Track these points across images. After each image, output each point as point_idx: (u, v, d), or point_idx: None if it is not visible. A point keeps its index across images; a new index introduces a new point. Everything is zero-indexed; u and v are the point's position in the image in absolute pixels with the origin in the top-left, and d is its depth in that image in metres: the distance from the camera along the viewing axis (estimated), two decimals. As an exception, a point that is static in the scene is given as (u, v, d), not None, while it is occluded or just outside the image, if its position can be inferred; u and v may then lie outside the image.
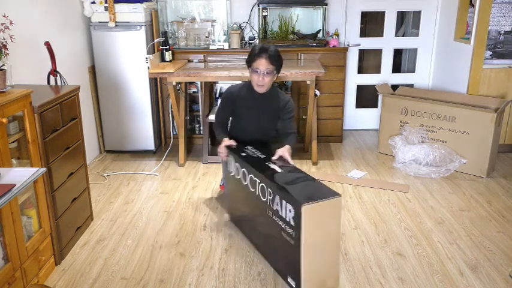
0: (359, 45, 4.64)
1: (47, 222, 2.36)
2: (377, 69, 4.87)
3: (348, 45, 4.58)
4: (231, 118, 3.06)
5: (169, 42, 4.10)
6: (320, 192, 2.12)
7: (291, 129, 2.90)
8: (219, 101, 3.02)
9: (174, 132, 4.43)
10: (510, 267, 2.40)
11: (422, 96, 4.00)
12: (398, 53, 5.25)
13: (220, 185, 3.41)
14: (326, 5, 4.26)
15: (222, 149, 2.85)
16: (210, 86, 4.21)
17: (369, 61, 5.51)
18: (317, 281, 2.16)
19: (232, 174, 2.79)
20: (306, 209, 2.00)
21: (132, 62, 3.94)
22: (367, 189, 3.39)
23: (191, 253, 2.58)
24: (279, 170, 2.42)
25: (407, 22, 5.18)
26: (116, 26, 3.85)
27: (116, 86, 3.99)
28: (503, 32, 3.85)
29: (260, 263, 2.47)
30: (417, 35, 4.72)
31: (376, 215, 2.99)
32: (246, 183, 2.58)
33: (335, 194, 2.08)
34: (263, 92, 2.85)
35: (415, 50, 4.79)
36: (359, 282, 2.30)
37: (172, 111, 4.27)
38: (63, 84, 3.01)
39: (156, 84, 4.27)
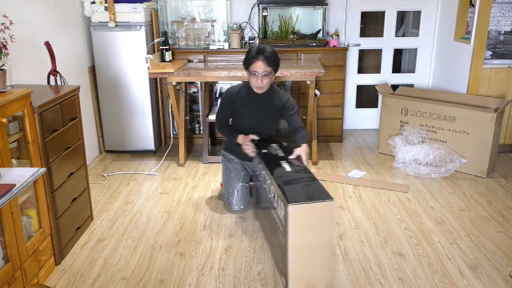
0: (359, 45, 4.64)
1: (47, 222, 2.36)
2: (377, 69, 4.87)
3: (348, 45, 4.58)
4: (230, 119, 3.07)
5: (169, 42, 4.10)
6: (314, 194, 2.11)
7: (299, 124, 2.92)
8: (219, 102, 3.02)
9: (174, 132, 4.43)
10: (510, 267, 2.40)
11: (422, 96, 4.00)
12: (398, 53, 5.25)
13: (221, 184, 3.41)
14: (326, 5, 4.26)
15: (249, 144, 2.83)
16: (210, 86, 4.21)
17: (369, 61, 5.51)
18: (306, 283, 2.15)
19: (256, 167, 2.85)
20: (293, 209, 2.02)
21: (132, 62, 3.94)
22: (367, 189, 3.39)
23: (191, 253, 2.58)
24: (288, 169, 2.43)
25: (407, 22, 5.18)
26: (116, 26, 3.85)
27: (116, 86, 3.99)
28: (503, 32, 3.85)
29: (260, 263, 2.47)
30: (417, 35, 4.72)
31: (376, 215, 2.99)
32: (261, 179, 2.64)
33: (328, 198, 2.06)
34: (262, 92, 2.87)
35: (415, 50, 4.79)
36: (359, 282, 2.30)
37: (172, 111, 4.27)
38: (63, 84, 3.01)
39: (156, 84, 4.27)
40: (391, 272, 2.38)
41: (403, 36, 5.15)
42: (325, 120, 4.42)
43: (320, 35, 4.37)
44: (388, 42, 4.70)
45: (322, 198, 2.05)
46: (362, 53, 5.07)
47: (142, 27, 3.87)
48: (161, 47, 3.92)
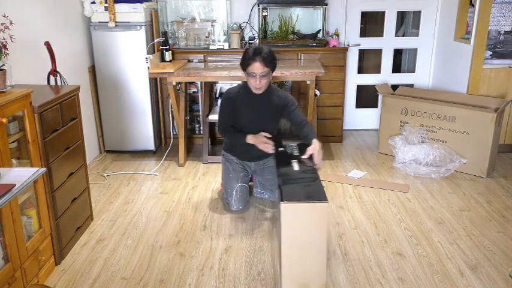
0: (359, 45, 4.64)
1: (47, 222, 2.36)
2: (377, 69, 4.87)
3: (348, 45, 4.58)
4: None
5: (169, 42, 4.10)
6: (311, 194, 2.11)
7: (302, 118, 2.93)
8: (219, 105, 3.02)
9: (174, 132, 4.43)
10: (510, 267, 2.40)
11: (422, 96, 4.00)
12: (398, 53, 5.25)
13: (221, 184, 3.41)
14: (326, 5, 4.26)
15: (267, 141, 2.83)
16: (210, 86, 4.21)
17: (369, 61, 5.51)
18: (298, 282, 2.16)
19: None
20: (284, 207, 2.04)
21: (132, 62, 3.94)
22: (367, 189, 3.39)
23: (191, 253, 2.58)
24: (296, 168, 2.43)
25: (407, 22, 5.18)
26: (116, 26, 3.85)
27: (116, 86, 3.99)
28: (503, 32, 3.85)
29: (260, 263, 2.47)
30: (417, 35, 4.72)
31: (376, 215, 2.99)
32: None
33: (323, 200, 2.05)
34: (261, 93, 2.87)
35: (415, 50, 4.79)
36: (359, 282, 2.30)
37: (172, 111, 4.27)
38: (63, 84, 3.01)
39: (156, 84, 4.27)
40: (391, 272, 2.38)
41: (403, 36, 5.15)
42: (325, 120, 4.42)
43: (320, 35, 4.37)
44: (388, 42, 4.70)
45: (316, 199, 2.05)
46: (362, 53, 5.07)
47: (142, 27, 3.87)
48: (161, 47, 3.92)
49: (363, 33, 4.87)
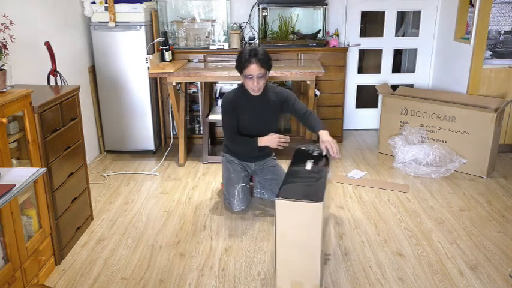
0: (359, 45, 4.64)
1: (47, 222, 2.36)
2: (377, 69, 4.87)
3: (348, 45, 4.58)
4: None
5: (169, 42, 4.10)
6: (309, 194, 2.11)
7: (305, 109, 2.97)
8: (220, 109, 3.01)
9: (174, 132, 4.43)
10: (510, 267, 2.40)
11: (422, 96, 4.00)
12: (398, 53, 5.25)
13: (222, 184, 3.41)
14: (326, 5, 4.26)
15: (280, 140, 2.86)
16: (210, 86, 4.21)
17: (369, 61, 5.51)
18: (292, 280, 2.17)
19: None
20: (279, 204, 2.07)
21: (132, 62, 3.94)
22: (367, 189, 3.39)
23: (191, 253, 2.58)
24: (308, 167, 2.43)
25: (407, 22, 5.18)
26: (116, 26, 3.85)
27: (116, 86, 3.99)
28: (503, 32, 3.85)
29: (260, 263, 2.47)
30: (417, 35, 4.72)
31: (376, 215, 2.99)
32: None
33: (317, 200, 2.04)
34: (259, 94, 2.88)
35: (415, 50, 4.79)
36: (359, 282, 2.30)
37: (172, 111, 4.27)
38: (63, 84, 3.01)
39: (156, 84, 4.27)
40: (391, 272, 2.38)
41: (403, 36, 5.15)
42: (325, 120, 4.40)
43: (320, 35, 4.37)
44: (388, 42, 4.70)
45: (310, 199, 2.05)
46: (362, 53, 5.07)
47: (142, 27, 3.87)
48: (161, 47, 3.92)
49: (363, 33, 4.87)
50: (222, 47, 4.24)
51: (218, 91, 4.39)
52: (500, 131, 3.64)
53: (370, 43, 4.75)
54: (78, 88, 2.69)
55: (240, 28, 4.42)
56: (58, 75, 3.00)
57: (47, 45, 2.90)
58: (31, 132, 2.18)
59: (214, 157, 3.93)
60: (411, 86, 4.80)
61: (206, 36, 4.34)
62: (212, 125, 4.39)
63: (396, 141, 3.83)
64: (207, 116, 4.01)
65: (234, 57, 4.20)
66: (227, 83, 4.37)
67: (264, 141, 2.91)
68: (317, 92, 3.98)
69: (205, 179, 3.63)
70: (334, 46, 4.29)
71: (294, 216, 2.08)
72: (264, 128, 2.99)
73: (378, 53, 4.83)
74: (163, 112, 4.37)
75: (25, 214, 2.25)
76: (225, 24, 4.37)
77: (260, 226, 2.87)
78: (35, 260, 2.24)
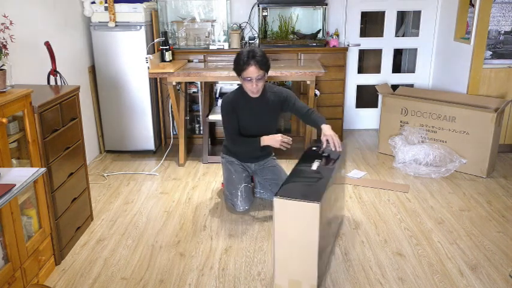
0: (359, 45, 4.64)
1: (47, 222, 2.36)
2: (377, 69, 4.87)
3: (348, 45, 4.58)
4: None
5: (169, 42, 4.10)
6: (307, 193, 2.11)
7: (306, 107, 2.98)
8: (221, 112, 2.99)
9: (174, 132, 4.43)
10: (510, 267, 2.40)
11: (422, 96, 4.00)
12: (398, 53, 5.25)
13: (222, 183, 3.41)
14: (326, 5, 4.26)
15: (283, 139, 2.85)
16: (210, 86, 4.21)
17: (369, 61, 5.51)
18: (290, 278, 2.18)
19: None
20: (277, 202, 2.08)
21: (132, 62, 3.94)
22: (367, 189, 3.39)
23: (191, 253, 2.58)
24: (314, 167, 2.42)
25: (407, 22, 5.18)
26: (116, 26, 3.85)
27: (116, 86, 3.99)
28: (503, 32, 3.85)
29: (260, 263, 2.47)
30: (417, 35, 4.72)
31: (376, 215, 2.99)
32: None
33: (314, 200, 2.04)
34: (258, 96, 2.87)
35: (415, 50, 4.79)
36: (359, 282, 2.30)
37: (172, 111, 4.27)
38: (63, 84, 3.01)
39: (156, 84, 4.27)
40: (391, 272, 2.38)
41: (403, 36, 5.15)
42: (326, 121, 4.41)
43: (320, 35, 4.37)
44: (388, 42, 4.70)
45: (308, 199, 2.05)
46: (362, 53, 5.07)
47: (142, 27, 3.87)
48: (161, 47, 3.92)
49: (363, 33, 4.87)
50: (222, 47, 4.24)
51: (218, 91, 4.39)
52: (500, 131, 3.64)
53: (370, 43, 4.75)
54: (78, 88, 2.69)
55: (240, 28, 4.42)
56: (58, 75, 3.00)
57: (47, 45, 2.90)
58: (31, 132, 2.18)
59: (214, 157, 3.93)
60: (411, 86, 4.80)
61: (206, 36, 4.34)
62: (212, 125, 4.39)
63: (396, 141, 3.83)
64: (207, 116, 4.01)
65: (234, 57, 4.23)
66: (227, 83, 4.37)
67: (267, 140, 2.90)
68: (317, 92, 3.98)
69: (205, 179, 3.63)
70: (334, 46, 4.29)
71: (291, 215, 2.08)
72: (263, 128, 2.99)
73: (377, 53, 4.84)
74: (163, 112, 4.37)
75: (25, 214, 2.25)
76: (225, 24, 4.37)
77: (260, 226, 2.87)
78: (35, 260, 2.24)
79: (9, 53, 2.23)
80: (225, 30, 4.38)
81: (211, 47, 4.25)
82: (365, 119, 4.92)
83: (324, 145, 2.68)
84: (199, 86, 4.34)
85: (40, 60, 3.06)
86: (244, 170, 3.12)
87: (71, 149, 2.58)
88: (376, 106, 4.88)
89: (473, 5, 3.88)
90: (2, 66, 2.14)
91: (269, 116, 3.01)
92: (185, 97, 4.09)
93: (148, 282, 2.31)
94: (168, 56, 3.93)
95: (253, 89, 2.81)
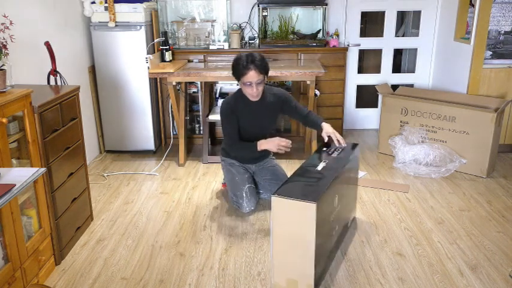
0: (359, 45, 4.64)
1: (47, 222, 2.36)
2: (377, 69, 4.87)
3: (348, 45, 4.58)
4: None
5: (169, 42, 4.10)
6: (306, 193, 2.11)
7: (306, 110, 3.02)
8: (220, 117, 2.98)
9: (174, 132, 4.43)
10: (510, 267, 2.40)
11: (422, 96, 4.00)
12: (398, 53, 5.25)
13: (223, 184, 3.41)
14: (326, 5, 4.26)
15: (280, 144, 2.83)
16: (210, 86, 4.21)
17: (369, 61, 5.51)
18: (287, 277, 2.18)
19: None
20: (275, 200, 2.09)
21: (132, 62, 3.94)
22: (367, 189, 3.39)
23: (191, 253, 2.58)
24: (319, 168, 2.41)
25: (407, 22, 5.18)
26: (116, 26, 3.85)
27: (116, 86, 3.99)
28: (503, 32, 3.85)
29: (260, 263, 2.47)
30: (417, 35, 4.72)
31: (376, 215, 2.99)
32: None
33: (312, 200, 2.03)
34: (258, 99, 2.87)
35: (415, 50, 4.79)
36: (359, 282, 2.30)
37: (172, 111, 4.27)
38: (63, 84, 3.01)
39: (156, 84, 4.27)
40: (391, 272, 2.38)
41: (403, 36, 5.15)
42: (325, 120, 4.41)
43: (320, 35, 4.37)
44: (388, 42, 4.70)
45: (306, 199, 2.04)
46: (362, 53, 5.07)
47: (142, 27, 3.87)
48: (161, 47, 3.92)
49: (363, 33, 4.87)
50: (222, 47, 4.24)
51: (218, 91, 4.39)
52: (500, 131, 3.64)
53: (370, 43, 4.75)
54: (78, 88, 2.69)
55: (240, 28, 4.42)
56: (58, 75, 3.00)
57: (47, 45, 2.90)
58: (31, 132, 2.18)
59: (214, 157, 3.93)
60: (411, 86, 4.80)
61: (206, 36, 4.34)
62: (212, 125, 4.39)
63: (396, 141, 3.83)
64: (207, 116, 4.01)
65: (234, 57, 4.23)
66: (227, 83, 4.37)
67: (264, 145, 2.89)
68: (317, 92, 3.98)
69: (205, 179, 3.63)
70: (334, 46, 4.29)
71: (289, 214, 2.09)
72: (262, 129, 3.01)
73: (378, 53, 4.84)
74: (163, 112, 4.37)
75: (25, 214, 2.25)
76: (225, 24, 4.37)
77: (260, 226, 2.87)
78: (35, 260, 2.24)
79: (9, 53, 2.23)
80: (225, 30, 4.38)
81: (211, 47, 4.25)
82: (365, 119, 4.92)
83: (326, 140, 2.74)
84: (199, 86, 4.34)
85: (40, 60, 3.06)
86: (246, 171, 3.12)
87: (71, 149, 2.58)
88: (376, 106, 4.88)
89: (473, 5, 3.88)
90: (2, 66, 2.14)
91: (269, 118, 3.02)
92: (185, 97, 4.09)
93: (148, 282, 2.31)
94: (168, 56, 3.93)
95: (254, 93, 2.81)
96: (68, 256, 2.56)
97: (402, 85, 4.46)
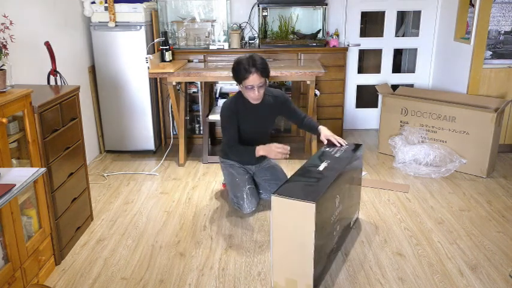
0: (359, 45, 4.64)
1: (47, 222, 2.36)
2: (377, 69, 4.87)
3: (348, 45, 4.58)
4: None
5: (169, 42, 4.10)
6: (306, 193, 2.11)
7: (303, 114, 3.06)
8: (220, 120, 2.96)
9: (174, 132, 4.43)
10: (510, 267, 2.40)
11: (422, 96, 4.00)
12: (398, 53, 5.25)
13: (223, 184, 3.41)
14: (326, 5, 4.26)
15: (277, 150, 2.77)
16: (210, 86, 4.21)
17: (369, 61, 5.51)
18: (286, 277, 2.18)
19: None
20: (275, 200, 2.09)
21: (132, 62, 3.94)
22: (367, 189, 3.39)
23: (191, 253, 2.58)
24: (320, 168, 2.41)
25: (407, 22, 5.18)
26: (116, 26, 3.85)
27: (116, 86, 3.99)
28: (503, 32, 3.85)
29: (260, 263, 2.47)
30: (417, 35, 4.72)
31: (376, 215, 2.99)
32: None
33: (311, 200, 2.03)
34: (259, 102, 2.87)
35: (415, 50, 4.79)
36: (359, 282, 2.30)
37: (172, 111, 4.27)
38: (63, 84, 3.01)
39: (156, 84, 4.27)
40: (391, 272, 2.38)
41: (403, 36, 5.15)
42: (325, 120, 4.42)
43: (320, 35, 4.37)
44: (388, 42, 4.70)
45: (305, 199, 2.04)
46: (362, 53, 5.07)
47: (142, 27, 3.87)
48: (161, 47, 3.92)
49: (363, 33, 4.87)
50: (222, 47, 4.25)
51: (218, 91, 4.39)
52: (500, 131, 3.64)
53: (370, 43, 4.75)
54: (78, 88, 2.69)
55: (240, 28, 4.42)
56: (58, 75, 3.00)
57: (47, 45, 2.90)
58: (31, 132, 2.18)
59: (214, 157, 3.93)
60: (411, 86, 4.80)
61: (206, 36, 4.34)
62: (212, 125, 4.39)
63: (396, 141, 3.83)
64: (207, 116, 4.01)
65: (234, 57, 4.20)
66: (227, 83, 4.37)
67: (262, 151, 2.85)
68: (317, 92, 3.98)
69: (205, 179, 3.63)
70: (334, 46, 4.29)
71: (288, 214, 2.09)
72: (262, 131, 3.03)
73: (378, 53, 4.84)
74: (163, 112, 4.37)
75: (25, 214, 2.25)
76: (225, 24, 4.37)
77: (260, 226, 2.87)
78: (35, 260, 2.24)
79: (9, 53, 2.23)
80: (225, 30, 4.38)
81: (211, 47, 4.25)
82: (365, 119, 4.92)
83: (325, 142, 2.76)
84: (199, 86, 4.34)
85: (40, 60, 3.06)
86: (246, 172, 3.12)
87: (71, 149, 2.58)
88: (376, 106, 4.88)
89: (473, 5, 3.88)
90: (2, 66, 2.14)
91: (268, 119, 3.03)
92: (185, 97, 4.09)
93: (148, 282, 2.31)
94: (168, 56, 3.93)
95: (256, 97, 2.80)
96: (68, 256, 2.56)
97: (402, 85, 4.46)
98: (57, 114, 2.42)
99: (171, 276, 2.37)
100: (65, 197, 2.53)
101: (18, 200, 2.11)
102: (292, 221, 2.09)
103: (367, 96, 5.04)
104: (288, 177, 2.53)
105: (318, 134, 2.88)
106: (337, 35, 4.41)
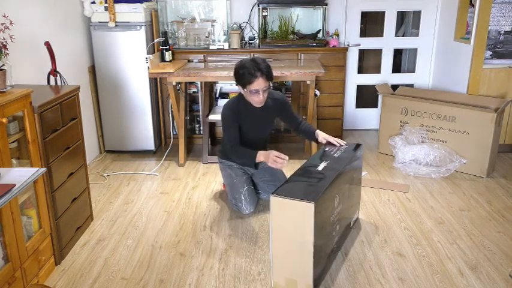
0: (359, 45, 4.64)
1: (47, 222, 2.36)
2: (377, 69, 4.87)
3: (348, 45, 4.58)
4: None
5: (169, 42, 4.10)
6: (306, 193, 2.11)
7: (300, 118, 3.08)
8: (222, 121, 2.95)
9: (174, 132, 4.43)
10: (510, 267, 2.40)
11: (422, 96, 4.00)
12: (398, 53, 5.25)
13: (223, 184, 3.41)
14: (326, 5, 4.26)
15: (276, 159, 2.68)
16: (210, 86, 4.21)
17: (369, 61, 5.51)
18: (286, 277, 2.19)
19: None
20: (273, 200, 2.09)
21: (132, 62, 3.94)
22: (367, 189, 3.39)
23: (191, 253, 2.58)
24: (320, 168, 2.40)
25: (407, 22, 5.18)
26: (116, 26, 3.85)
27: (116, 86, 4.00)
28: (503, 32, 3.85)
29: (260, 263, 2.47)
30: (417, 35, 4.72)
31: (376, 215, 2.99)
32: None
33: (310, 200, 2.03)
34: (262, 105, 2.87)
35: (415, 50, 4.79)
36: (359, 282, 2.30)
37: (172, 111, 4.27)
38: (63, 84, 3.01)
39: (156, 84, 4.27)
40: (391, 272, 2.38)
41: (403, 36, 5.15)
42: (325, 120, 4.42)
43: (320, 35, 4.37)
44: (388, 42, 4.70)
45: (304, 199, 2.04)
46: (362, 53, 5.07)
47: (142, 27, 3.87)
48: (161, 47, 3.92)
49: (363, 33, 4.87)
50: (222, 47, 4.25)
51: (218, 91, 4.39)
52: (500, 131, 3.64)
53: (370, 43, 4.75)
54: (78, 88, 2.69)
55: (240, 28, 4.42)
56: (58, 75, 3.00)
57: (47, 45, 2.90)
58: (31, 132, 2.19)
59: (214, 157, 3.93)
60: (411, 86, 4.80)
61: (206, 36, 4.34)
62: (212, 125, 4.39)
63: (396, 141, 3.83)
64: (207, 116, 4.01)
65: (234, 57, 4.24)
66: (227, 83, 4.37)
67: (261, 157, 2.82)
68: (317, 92, 3.98)
69: (205, 179, 3.63)
70: (334, 46, 4.29)
71: (287, 214, 2.09)
72: (262, 133, 3.04)
73: (378, 53, 4.84)
74: (163, 112, 4.37)
75: (25, 214, 2.25)
76: (225, 24, 4.37)
77: (260, 226, 2.87)
78: (35, 260, 2.24)
79: (9, 53, 2.23)
80: (225, 30, 4.38)
81: (211, 47, 4.25)
82: (365, 119, 4.92)
83: (324, 143, 2.79)
84: (199, 86, 4.34)
85: (40, 60, 3.06)
86: (245, 173, 3.12)
87: (71, 149, 2.58)
88: (376, 106, 4.88)
89: (473, 5, 3.88)
90: (2, 66, 2.14)
91: (268, 121, 3.03)
92: (185, 97, 4.09)
93: (148, 282, 2.31)
94: (168, 56, 3.93)
95: (260, 100, 2.79)
96: (68, 256, 2.56)
97: (402, 85, 4.46)
98: (57, 114, 2.42)
99: (171, 276, 2.37)
100: (65, 197, 2.53)
101: (18, 200, 2.11)
102: (291, 221, 2.09)
103: (367, 96, 5.04)
104: (287, 177, 2.53)
105: (315, 139, 2.89)
106: (337, 35, 4.41)
